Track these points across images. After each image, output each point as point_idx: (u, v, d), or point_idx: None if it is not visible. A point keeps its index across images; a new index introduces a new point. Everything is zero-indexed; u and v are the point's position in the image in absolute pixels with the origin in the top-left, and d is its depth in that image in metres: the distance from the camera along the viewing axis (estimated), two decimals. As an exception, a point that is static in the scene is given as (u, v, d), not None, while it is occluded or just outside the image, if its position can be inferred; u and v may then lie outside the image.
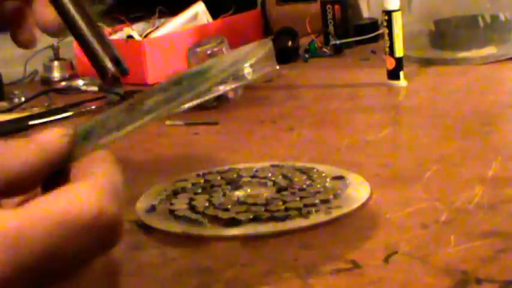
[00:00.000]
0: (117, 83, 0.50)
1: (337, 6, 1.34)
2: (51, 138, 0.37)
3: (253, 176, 0.68)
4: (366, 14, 1.46)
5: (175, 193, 0.65)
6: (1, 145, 0.36)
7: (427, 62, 1.16)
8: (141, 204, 0.64)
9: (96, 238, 0.33)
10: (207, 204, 0.62)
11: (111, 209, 0.33)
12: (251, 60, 0.47)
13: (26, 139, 0.37)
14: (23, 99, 1.14)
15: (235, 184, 0.66)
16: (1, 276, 0.32)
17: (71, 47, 1.27)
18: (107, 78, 0.51)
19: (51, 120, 0.99)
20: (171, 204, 0.63)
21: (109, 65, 0.51)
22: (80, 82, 1.23)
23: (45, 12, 0.54)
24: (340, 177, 0.66)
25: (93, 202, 0.33)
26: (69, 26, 0.53)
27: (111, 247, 0.34)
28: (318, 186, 0.64)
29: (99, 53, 0.51)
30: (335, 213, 0.59)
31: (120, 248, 0.57)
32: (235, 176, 0.68)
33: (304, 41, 1.32)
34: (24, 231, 0.32)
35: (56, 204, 0.32)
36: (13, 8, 0.56)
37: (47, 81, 1.29)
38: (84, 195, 0.33)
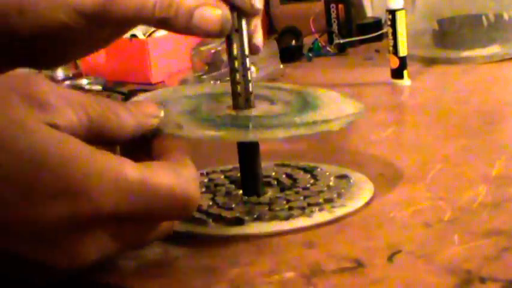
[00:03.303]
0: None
1: (340, 6, 1.34)
2: (146, 116, 0.52)
3: (256, 175, 0.68)
4: (369, 13, 1.46)
5: (178, 192, 0.65)
6: (118, 109, 0.49)
7: (430, 61, 1.16)
8: (145, 203, 0.64)
9: (179, 210, 0.48)
10: (210, 203, 0.62)
11: (197, 196, 0.48)
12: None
13: (131, 112, 0.50)
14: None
15: (238, 183, 0.65)
16: (118, 211, 0.45)
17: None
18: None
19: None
20: (175, 203, 0.63)
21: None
22: (84, 81, 1.22)
23: None
24: (344, 176, 0.66)
25: (191, 188, 0.47)
26: None
27: (183, 217, 0.50)
28: (322, 185, 0.64)
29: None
30: (339, 212, 0.59)
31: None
32: (238, 175, 0.68)
33: (307, 40, 1.32)
34: (146, 186, 0.45)
35: (169, 177, 0.47)
36: None
37: (51, 79, 1.29)
38: (189, 181, 0.48)
